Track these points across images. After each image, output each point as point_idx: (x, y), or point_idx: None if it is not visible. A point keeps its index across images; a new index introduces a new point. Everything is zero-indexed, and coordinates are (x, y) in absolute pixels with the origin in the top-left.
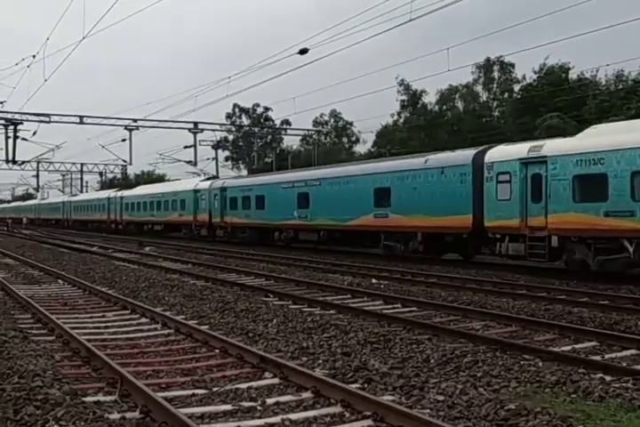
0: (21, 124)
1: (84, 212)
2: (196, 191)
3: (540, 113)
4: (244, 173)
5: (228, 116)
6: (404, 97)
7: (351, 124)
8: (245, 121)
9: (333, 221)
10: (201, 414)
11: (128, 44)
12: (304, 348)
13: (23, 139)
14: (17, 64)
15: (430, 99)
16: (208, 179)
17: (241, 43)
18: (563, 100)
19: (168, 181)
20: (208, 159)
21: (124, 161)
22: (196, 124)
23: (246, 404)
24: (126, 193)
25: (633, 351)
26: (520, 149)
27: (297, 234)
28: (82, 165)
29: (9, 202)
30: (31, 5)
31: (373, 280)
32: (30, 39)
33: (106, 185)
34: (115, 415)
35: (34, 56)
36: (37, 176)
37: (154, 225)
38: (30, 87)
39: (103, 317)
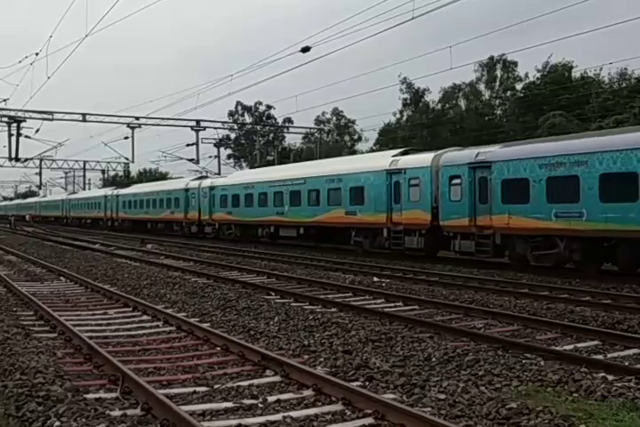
0: (24, 121)
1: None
2: (186, 190)
3: (542, 111)
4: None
5: (231, 114)
6: (407, 95)
7: (353, 122)
8: (248, 119)
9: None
10: (202, 412)
11: (130, 42)
12: (305, 346)
13: (26, 136)
14: (20, 62)
15: (433, 97)
16: (198, 178)
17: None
18: (566, 99)
19: (170, 178)
20: (210, 157)
21: (127, 159)
22: (198, 122)
23: (247, 401)
24: (122, 191)
25: (635, 351)
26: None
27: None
28: (84, 162)
29: (12, 199)
30: (34, 3)
31: (375, 278)
32: (33, 37)
33: (108, 183)
34: (116, 412)
35: (37, 54)
36: (40, 174)
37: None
38: (33, 85)
39: (105, 314)
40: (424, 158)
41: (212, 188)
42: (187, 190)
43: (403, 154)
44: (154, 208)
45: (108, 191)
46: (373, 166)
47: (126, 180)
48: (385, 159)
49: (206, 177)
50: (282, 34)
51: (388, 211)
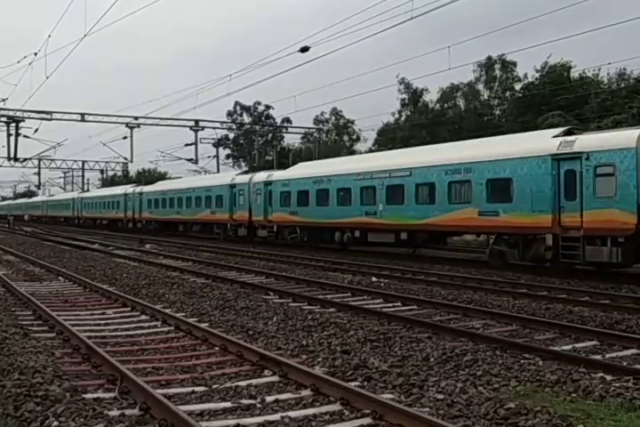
0: (23, 121)
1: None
2: (232, 186)
3: (541, 111)
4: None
5: (229, 114)
6: (405, 95)
7: (352, 122)
8: (246, 119)
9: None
10: (200, 412)
11: (129, 42)
12: (304, 346)
13: (25, 136)
14: (19, 62)
15: (432, 97)
16: (245, 172)
17: (242, 42)
18: (564, 99)
19: (169, 179)
20: (209, 157)
21: (125, 159)
22: (197, 121)
23: (246, 401)
24: (147, 188)
25: (634, 351)
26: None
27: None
28: (83, 162)
29: (12, 199)
30: (33, 3)
31: (373, 278)
32: (32, 37)
33: (107, 182)
34: (114, 412)
35: (35, 54)
36: (39, 174)
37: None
38: (32, 85)
39: (103, 314)
40: (625, 136)
41: (267, 183)
42: (233, 186)
43: (566, 134)
44: (188, 207)
45: (129, 189)
46: (528, 151)
47: (125, 180)
48: (545, 141)
49: (257, 171)
50: (281, 34)
51: (554, 211)
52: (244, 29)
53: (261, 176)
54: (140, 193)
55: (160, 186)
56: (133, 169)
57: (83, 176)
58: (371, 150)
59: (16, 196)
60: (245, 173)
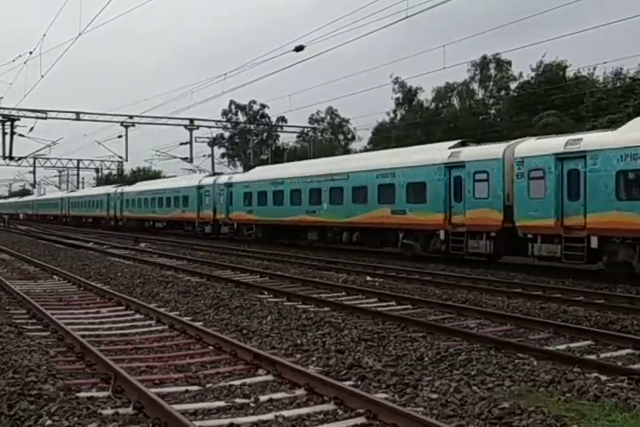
0: (18, 120)
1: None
2: (199, 187)
3: (536, 111)
4: (240, 169)
5: (224, 113)
6: (399, 95)
7: (347, 121)
8: (241, 118)
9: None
10: (194, 411)
11: (124, 41)
12: (298, 345)
13: (20, 135)
14: (14, 60)
15: (426, 96)
16: (212, 174)
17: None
18: (560, 98)
19: (164, 177)
20: (204, 156)
21: (120, 157)
22: (191, 120)
23: (239, 400)
24: (127, 189)
25: (628, 351)
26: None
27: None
28: (78, 161)
29: (6, 198)
30: (28, 2)
31: (368, 278)
32: (27, 35)
33: (102, 181)
34: (108, 411)
35: (30, 53)
36: (34, 172)
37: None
38: (27, 84)
39: (98, 313)
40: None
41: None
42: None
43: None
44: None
45: (111, 189)
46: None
47: (120, 178)
48: (442, 151)
49: (221, 174)
50: (277, 32)
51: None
52: (244, 29)
53: (224, 179)
54: (122, 193)
55: (138, 186)
56: (128, 168)
57: (78, 175)
58: (366, 149)
59: (11, 194)
60: (212, 175)
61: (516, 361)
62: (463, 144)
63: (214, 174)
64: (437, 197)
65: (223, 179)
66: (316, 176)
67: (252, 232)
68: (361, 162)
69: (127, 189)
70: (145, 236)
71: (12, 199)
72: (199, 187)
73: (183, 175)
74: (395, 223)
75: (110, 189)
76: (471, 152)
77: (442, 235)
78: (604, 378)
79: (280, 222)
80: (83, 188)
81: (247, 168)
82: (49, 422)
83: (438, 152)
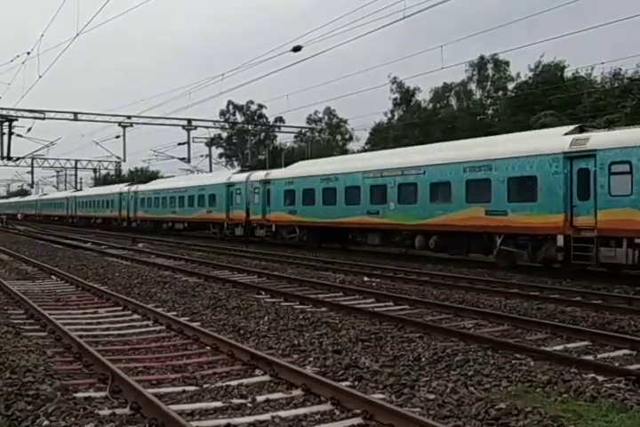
0: (16, 120)
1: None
2: (229, 185)
3: (534, 111)
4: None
5: (222, 113)
6: (397, 95)
7: (345, 121)
8: (239, 118)
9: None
10: (191, 411)
11: (123, 41)
12: (295, 345)
13: (18, 135)
14: (12, 61)
15: (424, 96)
16: (242, 171)
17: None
18: (557, 99)
19: (161, 177)
20: (202, 156)
21: (118, 158)
22: (189, 121)
23: (236, 401)
24: (142, 187)
25: (626, 351)
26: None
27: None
28: (76, 161)
29: (4, 198)
30: (26, 2)
31: (365, 278)
32: (25, 36)
33: (100, 181)
34: (105, 411)
35: (28, 53)
36: (32, 172)
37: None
38: (25, 84)
39: (95, 313)
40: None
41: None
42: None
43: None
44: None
45: (124, 188)
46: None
47: (117, 179)
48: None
49: (255, 169)
50: (277, 32)
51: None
52: (244, 29)
53: (259, 175)
54: (136, 192)
55: (155, 185)
56: (126, 168)
57: (76, 175)
58: (364, 149)
59: (9, 194)
60: (242, 171)
61: (513, 362)
62: (581, 130)
63: (247, 170)
64: (553, 194)
65: (258, 175)
66: (380, 171)
67: (295, 235)
68: (440, 154)
69: (142, 187)
70: (142, 236)
71: (12, 199)
72: (229, 184)
73: (208, 172)
74: (490, 226)
75: (123, 187)
76: (606, 138)
77: (559, 241)
78: (601, 379)
79: (331, 224)
80: (81, 188)
81: (248, 168)
82: (46, 422)
83: (553, 140)
